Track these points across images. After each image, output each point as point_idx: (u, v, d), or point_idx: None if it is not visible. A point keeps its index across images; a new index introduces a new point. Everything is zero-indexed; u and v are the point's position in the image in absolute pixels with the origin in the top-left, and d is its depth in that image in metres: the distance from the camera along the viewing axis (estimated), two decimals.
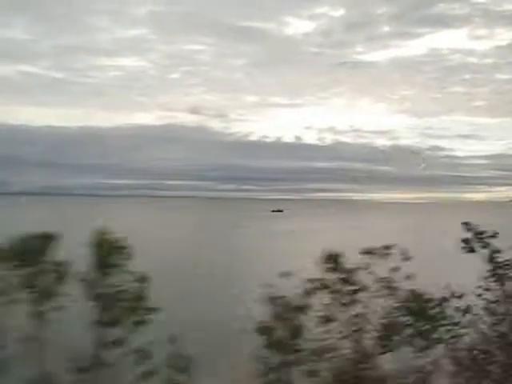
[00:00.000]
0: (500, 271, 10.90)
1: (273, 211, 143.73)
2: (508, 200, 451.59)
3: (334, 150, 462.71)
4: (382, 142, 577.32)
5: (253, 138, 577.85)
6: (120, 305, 12.42)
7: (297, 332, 11.46)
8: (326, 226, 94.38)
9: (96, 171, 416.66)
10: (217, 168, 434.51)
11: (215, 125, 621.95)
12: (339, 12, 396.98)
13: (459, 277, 13.73)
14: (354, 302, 11.54)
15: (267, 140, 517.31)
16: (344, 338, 11.50)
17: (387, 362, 11.72)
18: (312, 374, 11.27)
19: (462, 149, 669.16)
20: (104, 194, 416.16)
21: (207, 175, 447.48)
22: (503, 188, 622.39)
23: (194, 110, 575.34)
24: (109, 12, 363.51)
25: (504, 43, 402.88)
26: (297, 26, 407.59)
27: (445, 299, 11.13)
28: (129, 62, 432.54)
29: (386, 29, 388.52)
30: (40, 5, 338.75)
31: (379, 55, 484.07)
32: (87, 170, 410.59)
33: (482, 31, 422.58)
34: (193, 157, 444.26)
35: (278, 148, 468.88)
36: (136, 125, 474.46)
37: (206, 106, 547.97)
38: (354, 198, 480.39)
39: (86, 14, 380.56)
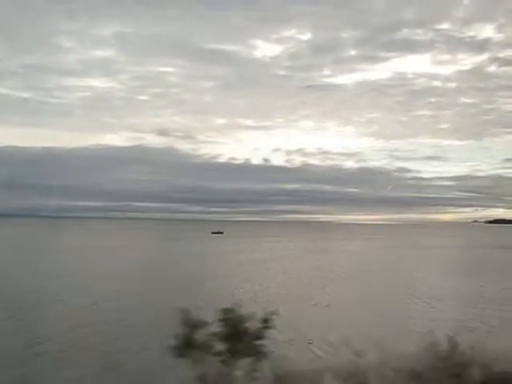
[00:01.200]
0: None
1: (213, 233, 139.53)
2: (471, 221, 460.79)
3: (303, 172, 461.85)
4: (349, 163, 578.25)
5: (221, 159, 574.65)
6: None
7: None
8: (253, 248, 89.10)
9: (63, 193, 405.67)
10: (185, 190, 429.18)
11: (183, 146, 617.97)
12: (306, 36, 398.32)
13: None
14: None
15: (236, 162, 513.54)
16: None
17: None
18: None
19: (428, 170, 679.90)
20: (71, 216, 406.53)
21: (176, 197, 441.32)
22: (468, 209, 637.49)
23: (163, 132, 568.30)
24: (74, 32, 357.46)
25: (466, 68, 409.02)
26: (264, 48, 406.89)
27: None
28: (97, 82, 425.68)
29: (353, 52, 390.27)
30: (4, 23, 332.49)
31: (346, 78, 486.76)
32: (54, 192, 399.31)
33: (445, 56, 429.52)
34: (161, 178, 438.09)
35: (247, 170, 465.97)
36: (104, 146, 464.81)
37: (175, 127, 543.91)
38: (322, 219, 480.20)
39: (51, 33, 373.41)
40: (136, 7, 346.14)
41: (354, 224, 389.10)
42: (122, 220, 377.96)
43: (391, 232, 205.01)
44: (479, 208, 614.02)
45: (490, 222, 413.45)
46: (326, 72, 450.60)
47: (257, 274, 44.78)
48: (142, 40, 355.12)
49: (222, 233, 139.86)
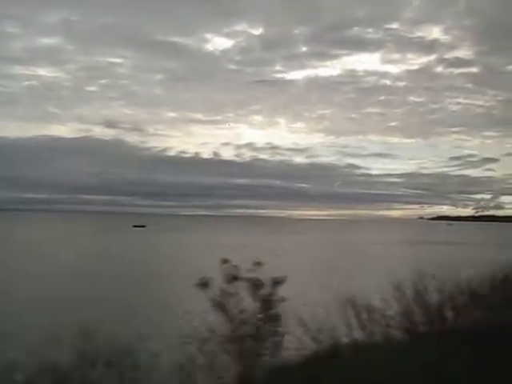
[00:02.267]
0: None
1: (134, 226, 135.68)
2: (417, 217, 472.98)
3: (252, 167, 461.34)
4: (299, 159, 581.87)
5: (170, 153, 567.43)
6: None
7: None
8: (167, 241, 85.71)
9: (7, 184, 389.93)
10: (134, 183, 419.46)
11: (132, 139, 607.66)
12: (258, 30, 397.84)
13: None
14: None
15: (185, 155, 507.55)
16: None
17: None
18: None
19: (377, 167, 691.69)
20: (15, 209, 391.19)
21: (124, 190, 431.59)
22: (416, 206, 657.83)
23: (111, 124, 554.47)
24: (18, 17, 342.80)
25: (415, 68, 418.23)
26: (215, 42, 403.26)
27: None
28: (43, 71, 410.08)
29: (304, 49, 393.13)
30: None
31: (297, 74, 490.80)
32: None
33: (395, 56, 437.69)
34: (109, 171, 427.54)
35: (196, 164, 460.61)
36: (50, 137, 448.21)
37: (123, 119, 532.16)
38: (271, 214, 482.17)
39: None
40: None
41: (300, 219, 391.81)
42: (68, 213, 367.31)
43: (329, 228, 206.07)
44: (425, 205, 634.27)
45: (434, 218, 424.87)
46: (277, 67, 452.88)
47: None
48: (90, 29, 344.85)
49: (144, 226, 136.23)
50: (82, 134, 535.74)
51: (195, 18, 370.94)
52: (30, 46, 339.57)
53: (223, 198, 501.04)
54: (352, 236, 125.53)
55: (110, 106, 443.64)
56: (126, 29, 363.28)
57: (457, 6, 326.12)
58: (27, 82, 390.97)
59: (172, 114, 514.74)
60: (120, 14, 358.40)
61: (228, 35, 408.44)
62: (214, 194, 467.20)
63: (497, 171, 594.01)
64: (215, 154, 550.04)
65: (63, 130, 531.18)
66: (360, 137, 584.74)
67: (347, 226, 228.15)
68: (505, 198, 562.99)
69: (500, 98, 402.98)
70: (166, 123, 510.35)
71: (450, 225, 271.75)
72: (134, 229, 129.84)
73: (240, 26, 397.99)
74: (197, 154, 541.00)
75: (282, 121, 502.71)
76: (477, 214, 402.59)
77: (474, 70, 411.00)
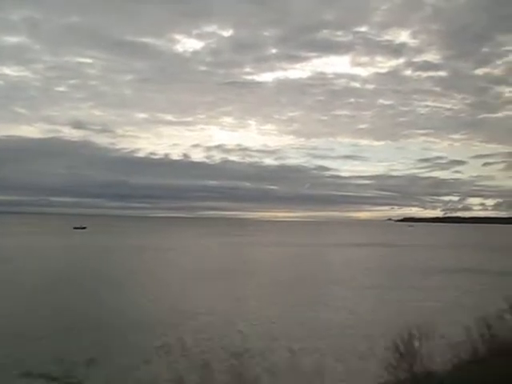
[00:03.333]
0: None
1: (75, 228, 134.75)
2: (386, 219, 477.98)
3: (223, 169, 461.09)
4: (269, 161, 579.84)
5: (140, 154, 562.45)
6: None
7: None
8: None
9: None
10: (103, 184, 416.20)
11: (101, 140, 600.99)
12: (228, 32, 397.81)
13: None
14: None
15: (155, 157, 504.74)
16: None
17: None
18: None
19: (347, 169, 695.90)
20: None
21: (93, 192, 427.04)
22: (385, 207, 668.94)
23: (79, 125, 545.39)
24: None
25: (384, 71, 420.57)
26: (185, 43, 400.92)
27: None
28: (9, 71, 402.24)
29: (274, 51, 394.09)
30: None
31: (267, 76, 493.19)
32: None
33: (364, 58, 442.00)
34: (78, 172, 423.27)
35: (166, 165, 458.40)
36: (18, 137, 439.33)
37: (92, 120, 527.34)
38: (241, 216, 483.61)
39: None
40: None
41: (267, 221, 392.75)
42: (37, 215, 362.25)
43: (287, 230, 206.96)
44: (395, 206, 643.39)
45: (401, 220, 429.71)
46: (247, 69, 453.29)
47: None
48: (58, 28, 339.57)
49: (84, 228, 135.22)
50: (51, 135, 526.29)
51: (165, 19, 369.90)
52: None
53: (193, 200, 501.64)
54: (293, 238, 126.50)
55: (79, 106, 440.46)
56: (95, 29, 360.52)
57: (424, 10, 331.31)
58: None
59: (142, 115, 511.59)
60: (89, 13, 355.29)
61: (198, 36, 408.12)
62: (184, 196, 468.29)
63: (464, 173, 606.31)
64: (185, 155, 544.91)
65: (31, 131, 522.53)
66: (330, 139, 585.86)
67: (307, 228, 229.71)
68: (472, 200, 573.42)
69: (467, 102, 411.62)
70: (135, 124, 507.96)
71: (410, 226, 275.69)
72: (74, 230, 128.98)
73: (210, 28, 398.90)
74: (167, 155, 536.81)
75: (252, 122, 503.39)
76: (443, 216, 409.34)
77: (442, 73, 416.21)
